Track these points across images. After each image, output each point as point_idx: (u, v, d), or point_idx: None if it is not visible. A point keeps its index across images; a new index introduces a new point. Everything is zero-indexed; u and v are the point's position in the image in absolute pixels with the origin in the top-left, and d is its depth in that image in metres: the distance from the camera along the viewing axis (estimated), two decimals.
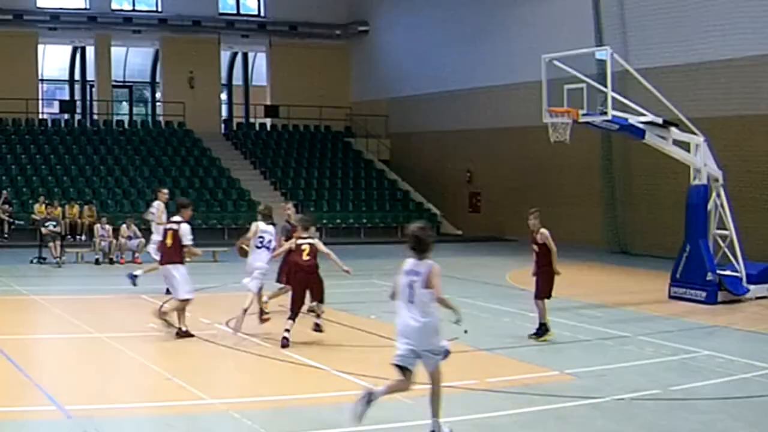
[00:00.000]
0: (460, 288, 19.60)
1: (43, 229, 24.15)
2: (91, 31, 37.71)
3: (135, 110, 43.08)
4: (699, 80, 24.88)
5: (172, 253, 13.87)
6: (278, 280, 15.30)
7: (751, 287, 18.34)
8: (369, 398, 8.58)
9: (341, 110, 40.24)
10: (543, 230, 13.98)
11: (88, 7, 37.68)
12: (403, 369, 8.56)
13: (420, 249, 8.70)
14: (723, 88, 24.59)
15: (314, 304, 14.43)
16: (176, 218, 14.16)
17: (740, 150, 23.73)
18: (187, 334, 13.61)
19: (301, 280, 13.49)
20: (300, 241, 13.60)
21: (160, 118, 39.74)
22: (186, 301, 13.76)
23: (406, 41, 38.51)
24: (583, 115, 17.82)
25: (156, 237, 17.98)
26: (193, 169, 35.62)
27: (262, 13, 41.15)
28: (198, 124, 38.12)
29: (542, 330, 14.00)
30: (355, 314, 16.03)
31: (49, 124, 37.17)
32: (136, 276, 18.14)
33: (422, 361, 8.57)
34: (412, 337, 8.57)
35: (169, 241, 13.92)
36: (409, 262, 8.72)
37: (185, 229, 13.86)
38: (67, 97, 41.03)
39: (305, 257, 13.46)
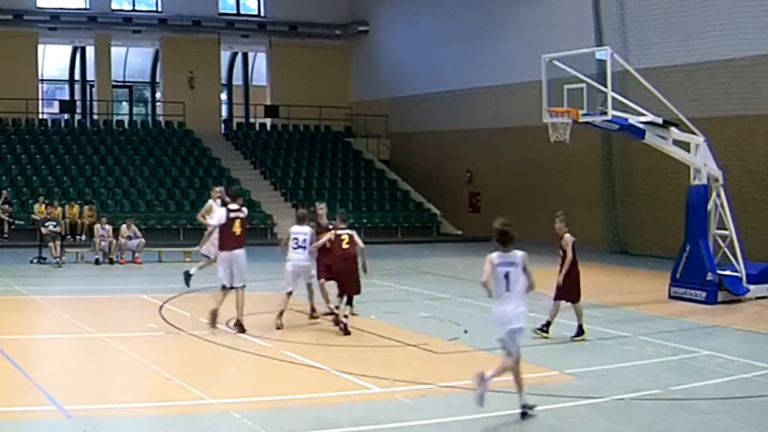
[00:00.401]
0: (460, 288, 19.61)
1: (43, 229, 24.15)
2: (91, 31, 37.70)
3: (135, 110, 43.07)
4: (699, 80, 24.85)
5: (242, 239, 14.52)
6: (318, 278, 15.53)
7: (751, 287, 18.34)
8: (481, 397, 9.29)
9: (341, 110, 40.21)
10: (566, 236, 14.01)
11: (88, 7, 37.66)
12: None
13: (508, 241, 9.58)
14: (723, 88, 24.57)
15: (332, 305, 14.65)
16: (234, 206, 14.74)
17: (740, 150, 23.71)
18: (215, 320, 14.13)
19: (342, 267, 14.42)
20: (339, 232, 14.57)
21: (160, 118, 39.72)
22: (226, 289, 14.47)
23: (406, 41, 38.50)
24: (583, 115, 17.81)
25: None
26: (193, 169, 35.60)
27: (262, 13, 41.14)
28: (198, 124, 38.11)
29: (580, 331, 14.01)
30: (355, 314, 16.01)
31: (49, 124, 37.14)
32: (191, 275, 18.79)
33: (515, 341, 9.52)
34: (521, 320, 9.51)
35: (238, 229, 14.50)
36: (498, 255, 9.61)
37: (219, 213, 14.72)
38: (67, 97, 41.01)
39: (345, 246, 14.46)
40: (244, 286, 14.44)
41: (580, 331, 14.06)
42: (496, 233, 9.65)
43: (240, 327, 14.13)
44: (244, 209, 14.77)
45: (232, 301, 17.30)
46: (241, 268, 14.45)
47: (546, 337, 13.93)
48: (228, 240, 14.50)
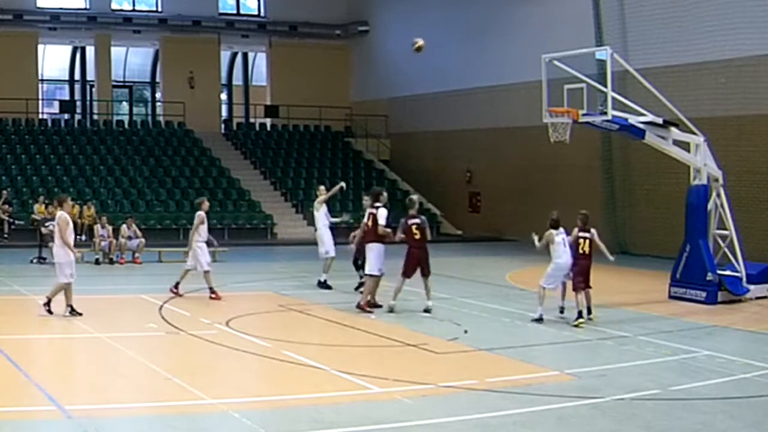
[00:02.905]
0: (460, 288, 19.61)
1: (43, 229, 24.11)
2: (91, 31, 37.71)
3: (135, 110, 43.10)
4: (699, 80, 24.85)
5: (370, 233, 16.33)
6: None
7: (751, 287, 18.31)
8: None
9: (341, 110, 40.23)
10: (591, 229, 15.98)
11: (88, 7, 37.68)
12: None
13: (557, 225, 15.52)
14: (723, 88, 24.56)
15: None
16: (377, 204, 16.56)
17: (740, 150, 23.72)
18: (375, 305, 16.19)
19: (416, 255, 16.08)
20: (411, 221, 16.23)
21: (160, 118, 39.74)
22: (374, 277, 16.19)
23: (406, 41, 38.17)
24: (583, 115, 17.79)
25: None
26: (193, 169, 35.61)
27: (262, 13, 41.15)
28: (198, 124, 38.11)
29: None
30: (355, 314, 16.03)
31: (49, 124, 37.15)
32: (325, 282, 19.38)
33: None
34: (567, 269, 15.50)
35: (370, 223, 16.42)
36: (554, 231, 15.45)
37: (382, 213, 16.31)
38: (67, 97, 41.04)
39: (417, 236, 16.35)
40: (374, 274, 16.23)
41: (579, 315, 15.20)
42: (551, 220, 15.49)
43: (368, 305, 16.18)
44: (381, 209, 16.46)
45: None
46: (368, 258, 16.32)
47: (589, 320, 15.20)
48: (364, 232, 16.71)
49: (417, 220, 16.21)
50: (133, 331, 14.31)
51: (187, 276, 17.77)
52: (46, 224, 24.22)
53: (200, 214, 18.05)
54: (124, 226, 24.60)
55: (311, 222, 30.56)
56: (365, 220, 16.87)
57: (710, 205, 18.46)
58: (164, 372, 11.31)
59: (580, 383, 11.10)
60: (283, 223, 32.85)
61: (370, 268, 16.31)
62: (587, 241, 15.67)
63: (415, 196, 16.83)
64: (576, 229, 15.74)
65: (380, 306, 16.42)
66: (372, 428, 9.11)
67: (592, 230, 15.81)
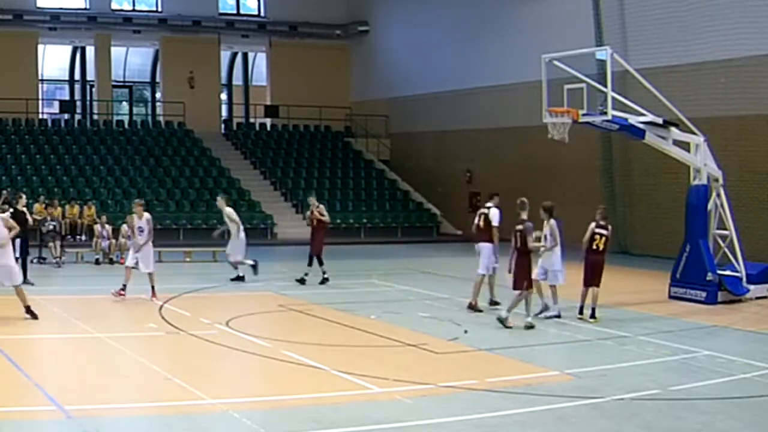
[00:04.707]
0: (460, 288, 19.57)
1: (43, 229, 24.14)
2: (90, 31, 37.73)
3: (135, 110, 43.10)
4: (699, 80, 24.84)
5: (482, 233, 16.53)
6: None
7: (751, 287, 18.31)
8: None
9: (341, 110, 40.24)
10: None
11: (88, 7, 37.69)
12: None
13: (552, 213, 15.63)
14: (723, 88, 24.56)
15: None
16: (489, 204, 16.70)
17: (740, 150, 23.71)
18: (474, 308, 16.23)
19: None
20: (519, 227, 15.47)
21: (160, 118, 39.75)
22: (481, 275, 16.37)
23: (406, 41, 38.50)
24: (583, 115, 17.79)
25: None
26: (193, 169, 35.62)
27: (262, 13, 41.17)
28: (198, 124, 38.13)
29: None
30: (355, 314, 16.03)
31: (49, 124, 37.17)
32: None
33: None
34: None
35: (481, 224, 16.53)
36: (547, 224, 15.70)
37: (494, 213, 16.42)
38: (67, 97, 41.04)
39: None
40: (484, 274, 16.51)
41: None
42: (547, 209, 15.64)
43: (473, 308, 16.30)
44: (492, 209, 16.55)
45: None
46: (482, 257, 16.51)
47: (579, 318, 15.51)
48: (476, 232, 16.86)
49: (520, 227, 15.22)
50: (133, 331, 14.31)
51: (154, 277, 17.63)
52: (46, 224, 24.27)
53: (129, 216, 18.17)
54: (124, 226, 24.57)
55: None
56: (476, 220, 16.80)
57: (710, 205, 18.46)
58: (164, 372, 11.31)
59: (580, 383, 11.10)
60: (283, 223, 32.87)
61: (480, 267, 16.50)
62: (603, 238, 15.64)
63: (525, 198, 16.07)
64: (593, 224, 15.75)
65: (480, 311, 16.27)
66: (372, 428, 9.11)
67: (609, 228, 15.79)
